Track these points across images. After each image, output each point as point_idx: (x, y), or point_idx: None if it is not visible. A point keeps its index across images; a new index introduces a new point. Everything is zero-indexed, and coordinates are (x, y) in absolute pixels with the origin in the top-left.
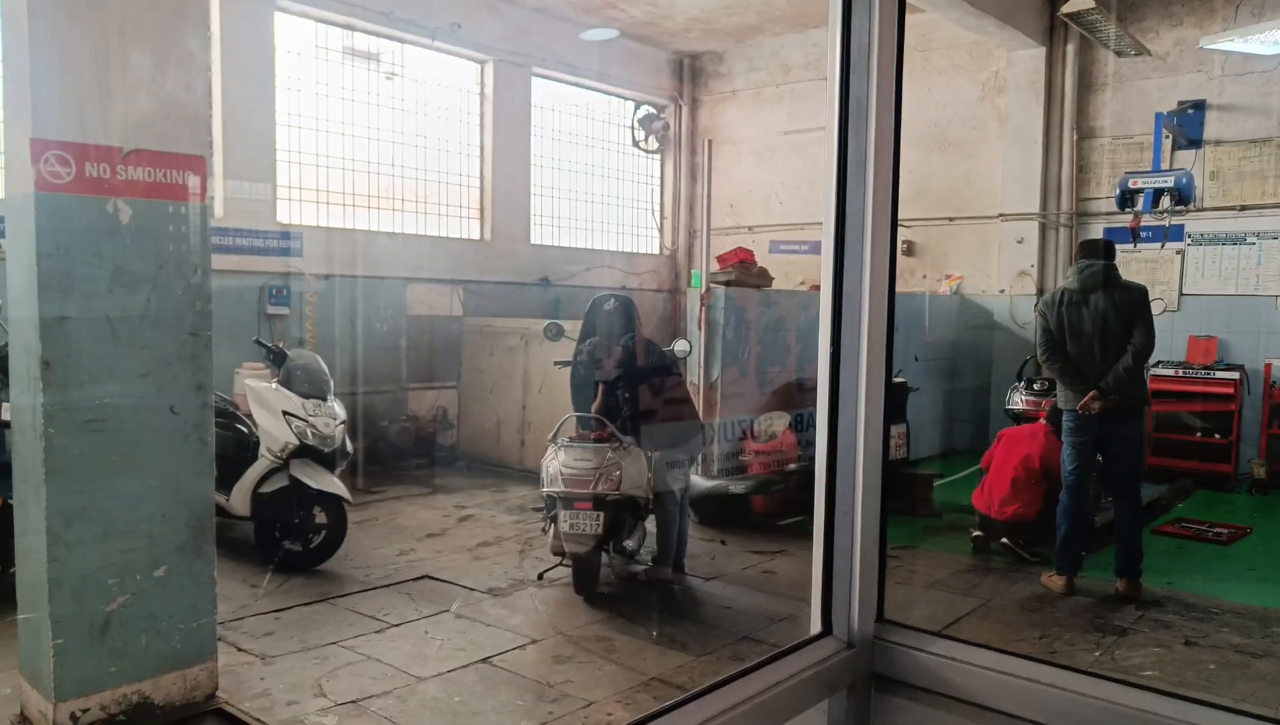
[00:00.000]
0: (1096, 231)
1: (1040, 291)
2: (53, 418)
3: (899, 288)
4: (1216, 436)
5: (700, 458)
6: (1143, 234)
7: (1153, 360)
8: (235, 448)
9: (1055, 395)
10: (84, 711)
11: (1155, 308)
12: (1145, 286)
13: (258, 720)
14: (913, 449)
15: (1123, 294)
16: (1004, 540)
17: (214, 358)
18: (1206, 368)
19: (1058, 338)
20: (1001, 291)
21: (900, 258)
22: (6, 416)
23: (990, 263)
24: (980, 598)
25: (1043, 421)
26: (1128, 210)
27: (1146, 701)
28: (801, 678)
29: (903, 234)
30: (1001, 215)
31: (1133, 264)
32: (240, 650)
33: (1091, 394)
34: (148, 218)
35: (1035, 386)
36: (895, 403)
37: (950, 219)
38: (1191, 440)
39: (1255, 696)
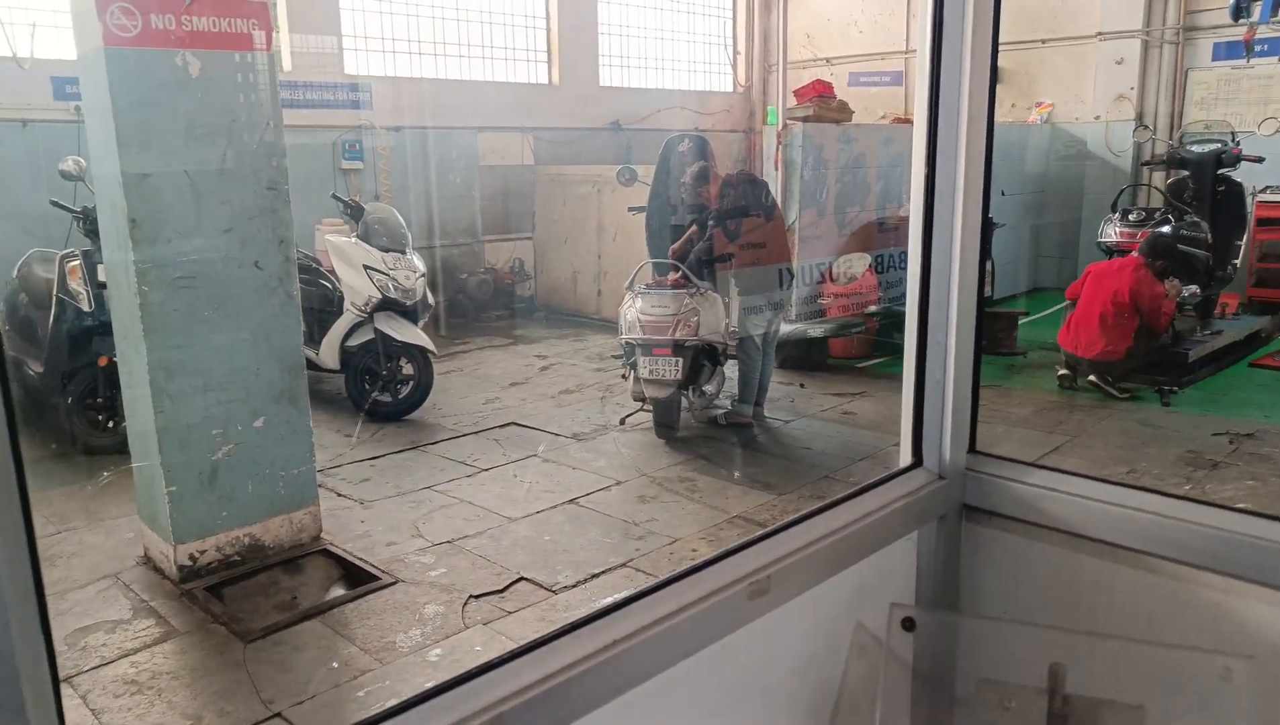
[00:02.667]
0: (1206, 48)
1: (1139, 116)
2: (144, 275)
3: None
4: None
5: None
6: (1258, 47)
7: (1261, 185)
8: (321, 303)
9: (1150, 226)
10: (201, 553)
11: (1268, 128)
12: None
13: (361, 559)
14: (998, 287)
15: None
16: (1091, 378)
17: (295, 214)
18: None
19: None
20: (1096, 118)
21: None
22: (103, 277)
23: (1085, 87)
24: (1067, 434)
25: (1135, 254)
26: (1242, 21)
27: (1239, 523)
28: (893, 508)
29: None
30: (1099, 34)
31: (1244, 81)
32: (340, 496)
33: None
34: (216, 70)
35: (1131, 217)
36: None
37: (1043, 41)
38: None
39: None
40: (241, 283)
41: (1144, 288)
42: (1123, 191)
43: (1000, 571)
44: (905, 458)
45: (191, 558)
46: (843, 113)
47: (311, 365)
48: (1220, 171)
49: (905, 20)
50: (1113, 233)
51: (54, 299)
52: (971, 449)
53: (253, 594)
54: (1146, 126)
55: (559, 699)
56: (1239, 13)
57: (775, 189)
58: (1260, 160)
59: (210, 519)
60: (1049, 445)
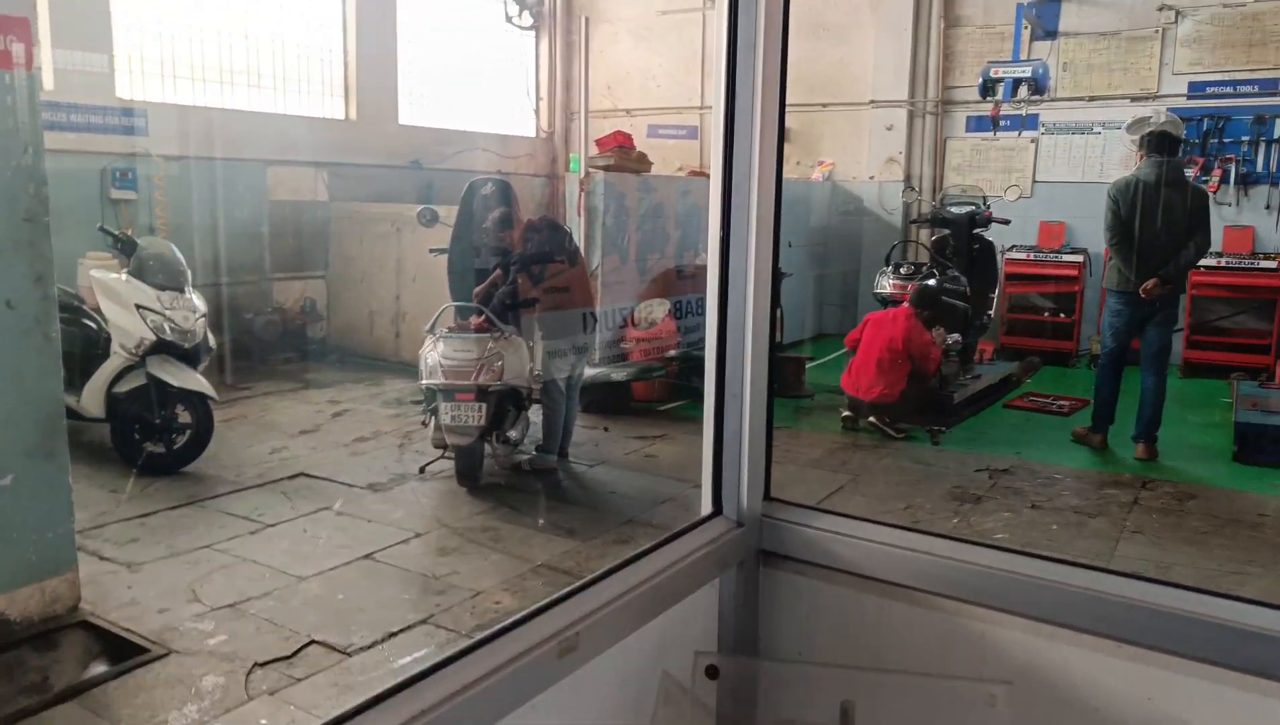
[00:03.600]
0: (961, 120)
1: (907, 177)
2: None
3: None
4: (1061, 316)
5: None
6: (1002, 122)
7: (1009, 243)
8: (83, 344)
9: (918, 279)
10: None
11: (1012, 195)
12: (1207, 191)
13: (127, 630)
14: (786, 333)
15: (1189, 194)
16: (871, 419)
17: (55, 246)
18: (1055, 251)
19: (1125, 222)
20: (871, 178)
21: None
22: None
23: (861, 149)
24: (850, 473)
25: (906, 304)
26: (989, 99)
27: (996, 559)
28: (695, 557)
29: None
30: (872, 101)
31: (991, 151)
32: (103, 559)
33: (1155, 280)
34: None
35: (902, 270)
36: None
37: (824, 105)
38: (1040, 320)
39: (1090, 551)
40: None
41: (915, 336)
42: (894, 247)
43: (795, 614)
44: (706, 507)
45: None
46: (642, 163)
47: (72, 413)
48: (975, 231)
49: (700, 77)
50: (887, 284)
51: None
52: (767, 496)
53: None
54: (913, 188)
55: None
56: (986, 91)
57: (578, 235)
58: (1007, 222)
59: None
60: (835, 484)
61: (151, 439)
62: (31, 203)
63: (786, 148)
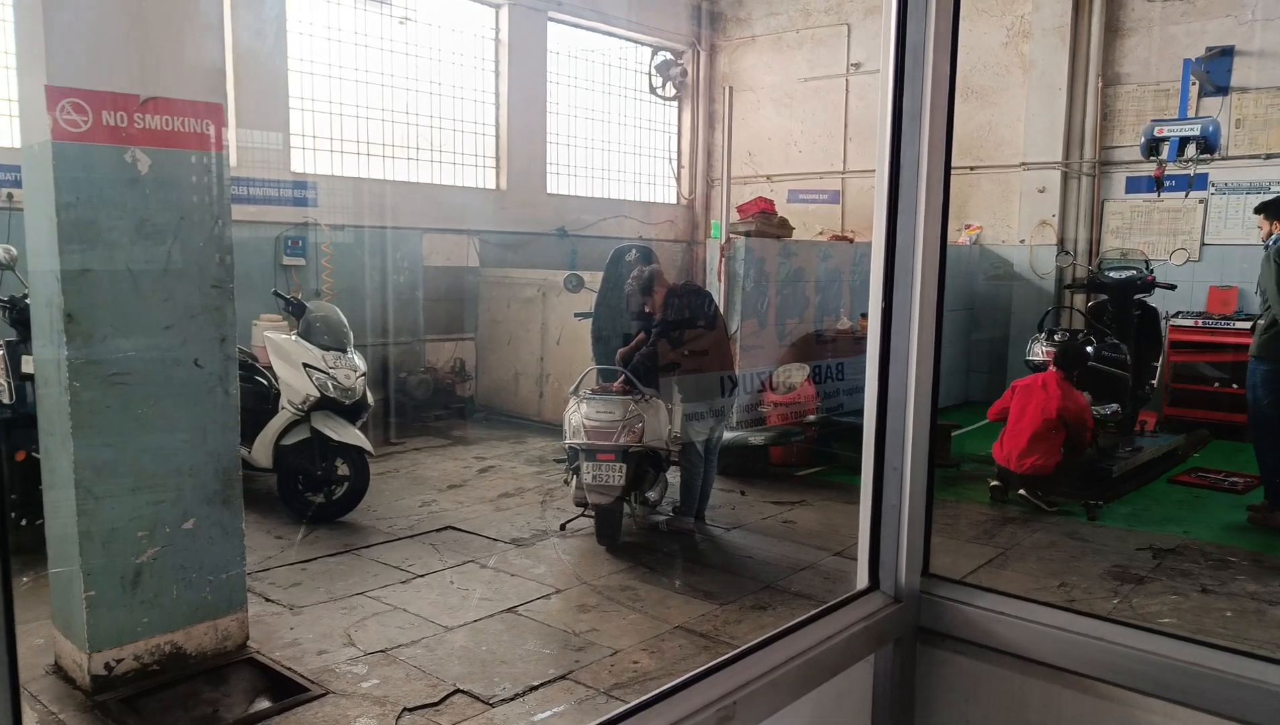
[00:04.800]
0: (1120, 181)
1: (1061, 241)
2: (77, 371)
3: None
4: (1234, 386)
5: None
6: (1166, 182)
7: (1174, 310)
8: (256, 400)
9: (1074, 342)
10: (118, 662)
11: (1178, 258)
12: None
13: (289, 669)
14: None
15: None
16: (1021, 492)
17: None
18: (1225, 318)
19: None
20: (1021, 241)
21: None
22: (29, 369)
23: (1010, 212)
24: (999, 546)
25: (1051, 367)
26: (1152, 159)
27: (1176, 650)
28: (850, 632)
29: None
30: (1023, 164)
31: (1155, 213)
32: (269, 601)
33: None
34: (167, 167)
35: (1055, 337)
36: None
37: (971, 168)
38: (1209, 390)
39: (1272, 642)
40: (180, 381)
41: (1068, 400)
42: (1048, 313)
43: (955, 695)
44: (862, 581)
45: (107, 667)
46: (783, 228)
47: (243, 464)
48: (1136, 296)
49: (842, 141)
50: (1039, 351)
51: None
52: (925, 572)
53: (171, 706)
54: (1068, 252)
55: None
56: (1149, 151)
57: (718, 299)
58: (1173, 287)
59: (130, 625)
60: (982, 558)
61: (313, 490)
62: (219, 271)
63: None
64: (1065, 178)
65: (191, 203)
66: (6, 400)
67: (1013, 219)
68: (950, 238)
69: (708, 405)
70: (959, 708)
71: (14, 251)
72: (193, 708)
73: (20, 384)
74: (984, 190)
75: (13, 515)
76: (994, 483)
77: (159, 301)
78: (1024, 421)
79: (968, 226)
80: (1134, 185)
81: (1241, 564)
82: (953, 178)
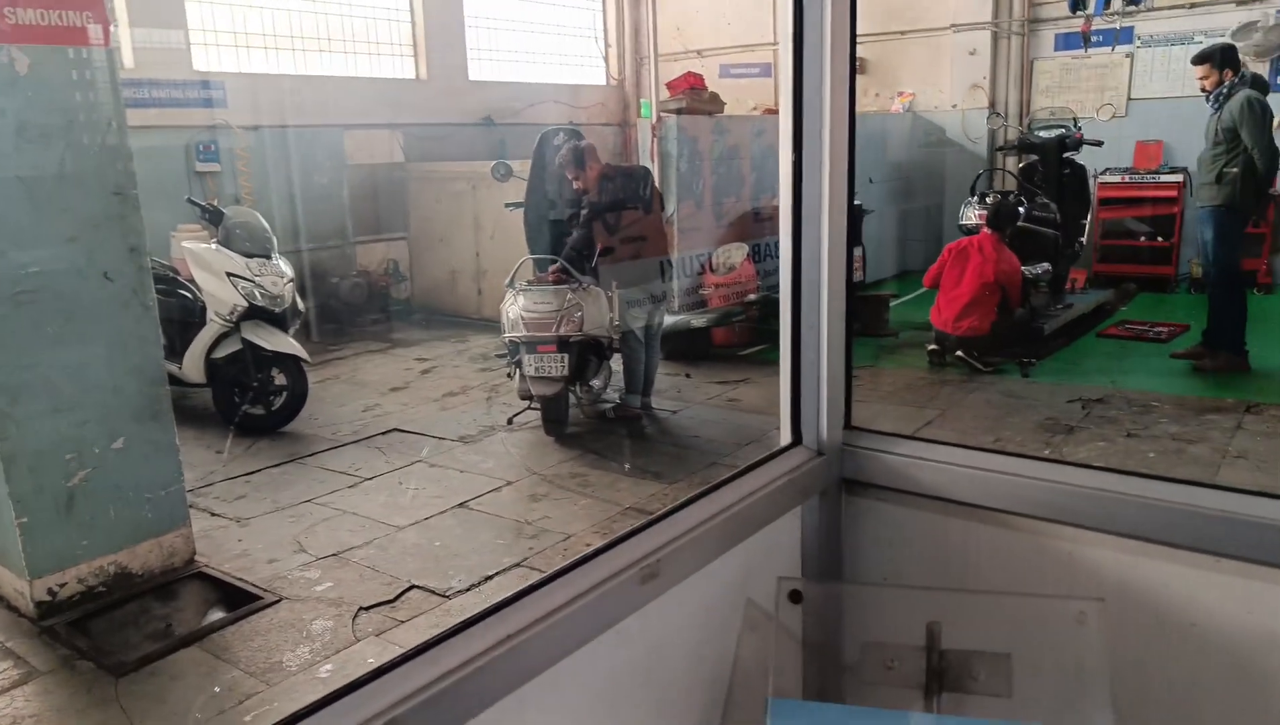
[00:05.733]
0: (1049, 39)
1: (992, 104)
2: None
3: None
4: (1159, 240)
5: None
6: (1094, 38)
7: (1101, 167)
8: (181, 314)
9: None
10: (61, 586)
11: (1104, 114)
12: None
13: (240, 579)
14: (869, 271)
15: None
16: (958, 353)
17: (147, 221)
18: (1152, 172)
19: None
20: (954, 106)
21: None
22: None
23: (942, 77)
24: (938, 407)
25: (986, 230)
26: (1080, 13)
27: (1084, 477)
28: (775, 486)
29: None
30: (953, 25)
31: (1083, 70)
32: (214, 515)
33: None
34: (48, 66)
35: (988, 200)
36: (852, 226)
37: (901, 33)
38: (1136, 245)
39: (1191, 477)
40: (91, 295)
41: (1003, 260)
42: (979, 176)
43: (878, 539)
44: (785, 437)
45: (50, 592)
46: (715, 104)
47: (175, 380)
48: (1065, 155)
49: (772, 13)
50: (972, 215)
51: None
52: (847, 425)
53: (122, 625)
54: (999, 114)
55: (453, 698)
56: (1076, 5)
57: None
58: (1099, 144)
59: (69, 549)
60: (923, 419)
61: (250, 401)
62: (119, 177)
63: (863, 80)
64: (995, 38)
65: (79, 103)
66: None
67: (944, 84)
68: (882, 107)
69: (646, 291)
70: (884, 551)
71: None
72: (145, 624)
73: None
74: (914, 56)
75: None
76: (931, 347)
77: (56, 211)
78: (960, 285)
79: (900, 94)
80: (1062, 42)
81: (1164, 408)
82: (882, 45)
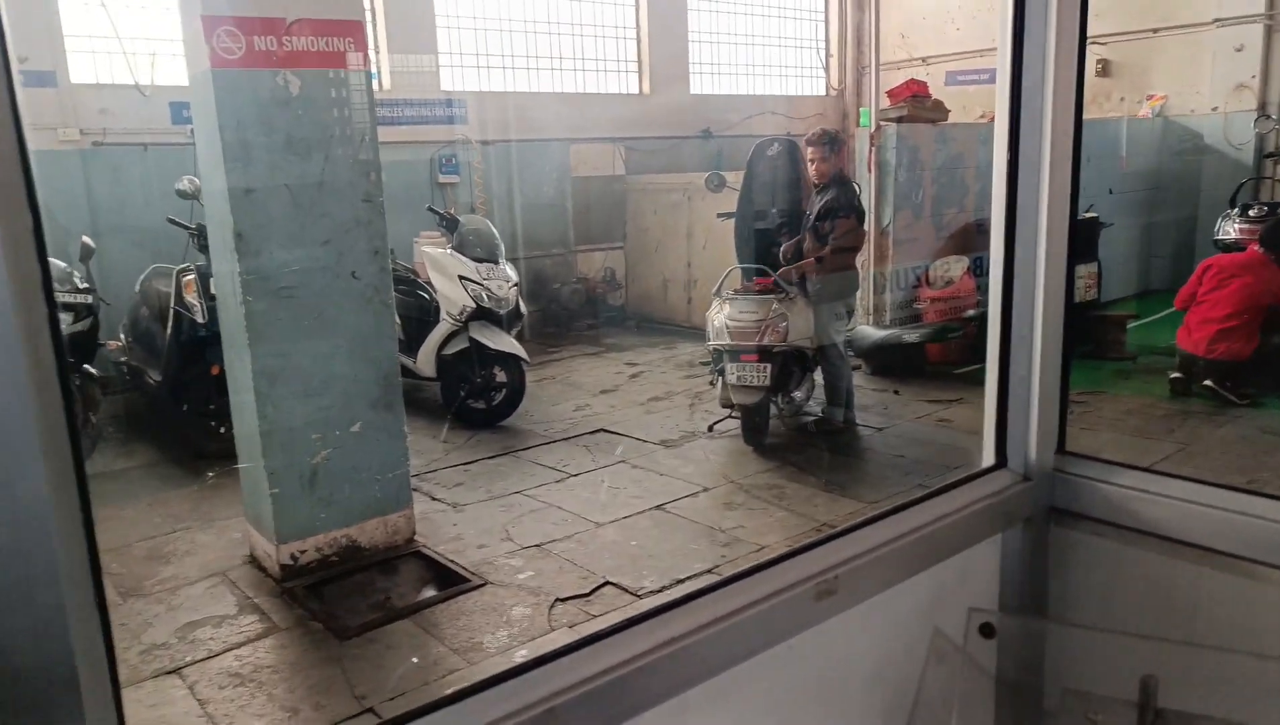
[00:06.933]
0: None
1: (1262, 105)
2: (249, 286)
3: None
4: None
5: (865, 307)
6: None
7: None
8: (419, 313)
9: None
10: (302, 553)
11: None
12: None
13: (452, 561)
14: (1106, 290)
15: None
16: (1207, 383)
17: (393, 228)
18: None
19: None
20: (1214, 109)
21: (1093, 79)
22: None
23: (1201, 77)
24: (1178, 442)
25: (1256, 248)
26: None
27: None
28: (973, 509)
29: (1096, 52)
30: (1217, 20)
31: None
32: (434, 499)
33: None
34: (315, 87)
35: (1252, 212)
36: (1085, 240)
37: (1154, 30)
38: None
39: None
40: (339, 292)
41: (1276, 283)
42: (1242, 185)
43: (1090, 577)
44: (988, 458)
45: (293, 557)
46: (938, 112)
47: (409, 373)
48: None
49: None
50: (1232, 229)
51: (171, 312)
52: (1060, 450)
53: (349, 593)
54: (1270, 116)
55: (614, 695)
56: None
57: (869, 191)
58: None
59: (310, 520)
60: (1158, 453)
61: (473, 396)
62: (369, 186)
63: (1106, 84)
64: (1269, 32)
65: (339, 120)
66: (200, 319)
67: (1203, 84)
68: (1129, 111)
69: (846, 304)
70: (1095, 591)
71: (198, 181)
72: (368, 595)
73: (211, 305)
74: (1169, 55)
75: (212, 423)
76: (1175, 375)
77: (316, 217)
78: (1220, 306)
79: (1149, 97)
80: None
81: None
82: (1131, 44)
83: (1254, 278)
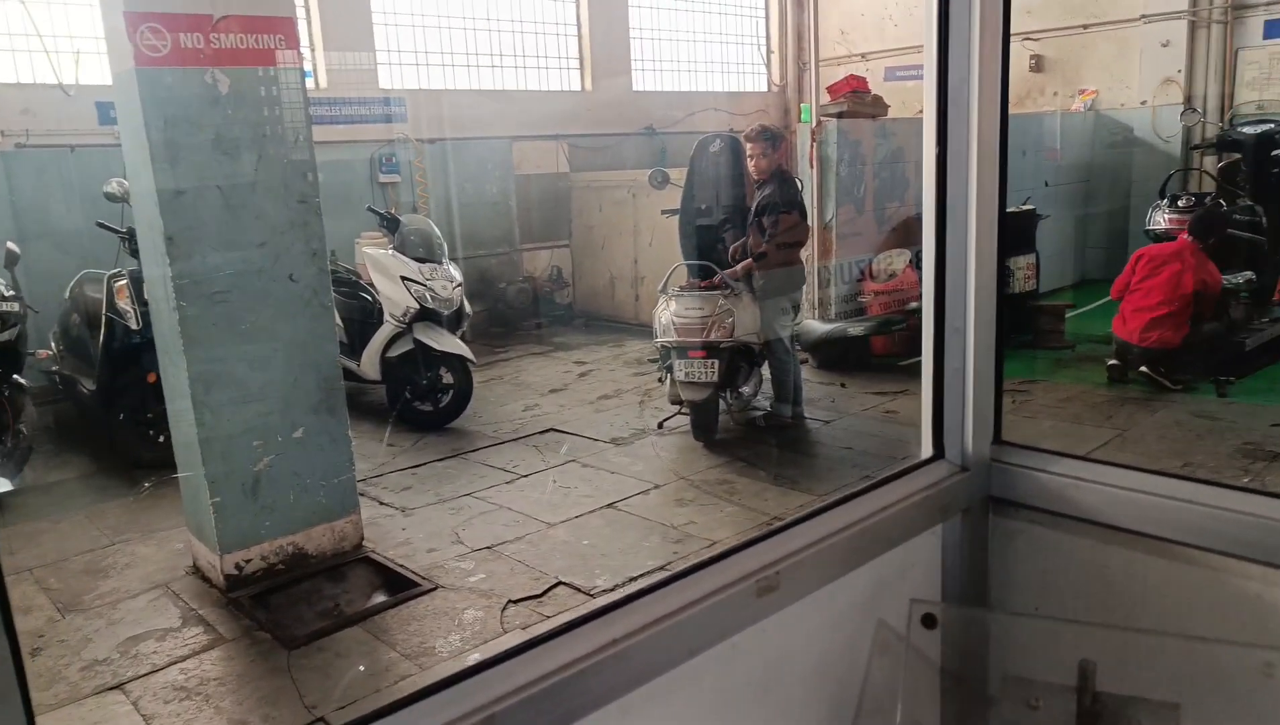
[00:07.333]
0: (1257, 26)
1: (1188, 99)
2: (182, 291)
3: (1028, 109)
4: None
5: (811, 302)
6: None
7: None
8: (361, 315)
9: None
10: (247, 562)
11: None
12: None
13: (401, 566)
14: (1044, 280)
15: None
16: (1143, 369)
17: (334, 229)
18: None
19: None
20: (1143, 103)
21: (1027, 75)
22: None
23: (1130, 72)
24: (1116, 428)
25: (1185, 237)
26: None
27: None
28: (912, 501)
29: (1030, 47)
30: (1144, 16)
31: None
32: (381, 504)
33: None
34: (245, 86)
35: (1180, 203)
36: (1023, 232)
37: (1084, 27)
38: None
39: None
40: (276, 295)
41: (1205, 271)
42: (1171, 176)
43: (1029, 565)
44: (926, 450)
45: (237, 567)
46: (878, 107)
47: (353, 376)
48: (1274, 153)
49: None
50: (1162, 220)
51: (104, 318)
52: (996, 440)
53: (296, 602)
54: (1195, 110)
55: (555, 699)
56: None
57: (811, 186)
58: None
59: (254, 529)
60: (1098, 440)
61: (420, 398)
62: (304, 187)
63: (1040, 79)
64: (1193, 28)
65: (271, 119)
66: (134, 326)
67: (1132, 79)
68: (1062, 105)
69: (791, 299)
70: (1034, 579)
71: (127, 184)
72: (316, 603)
73: (145, 310)
74: (1099, 51)
75: (149, 432)
76: (1111, 362)
77: (249, 219)
78: (1151, 295)
79: (1081, 92)
80: (1273, 29)
81: None
82: (1062, 40)
83: (1183, 265)
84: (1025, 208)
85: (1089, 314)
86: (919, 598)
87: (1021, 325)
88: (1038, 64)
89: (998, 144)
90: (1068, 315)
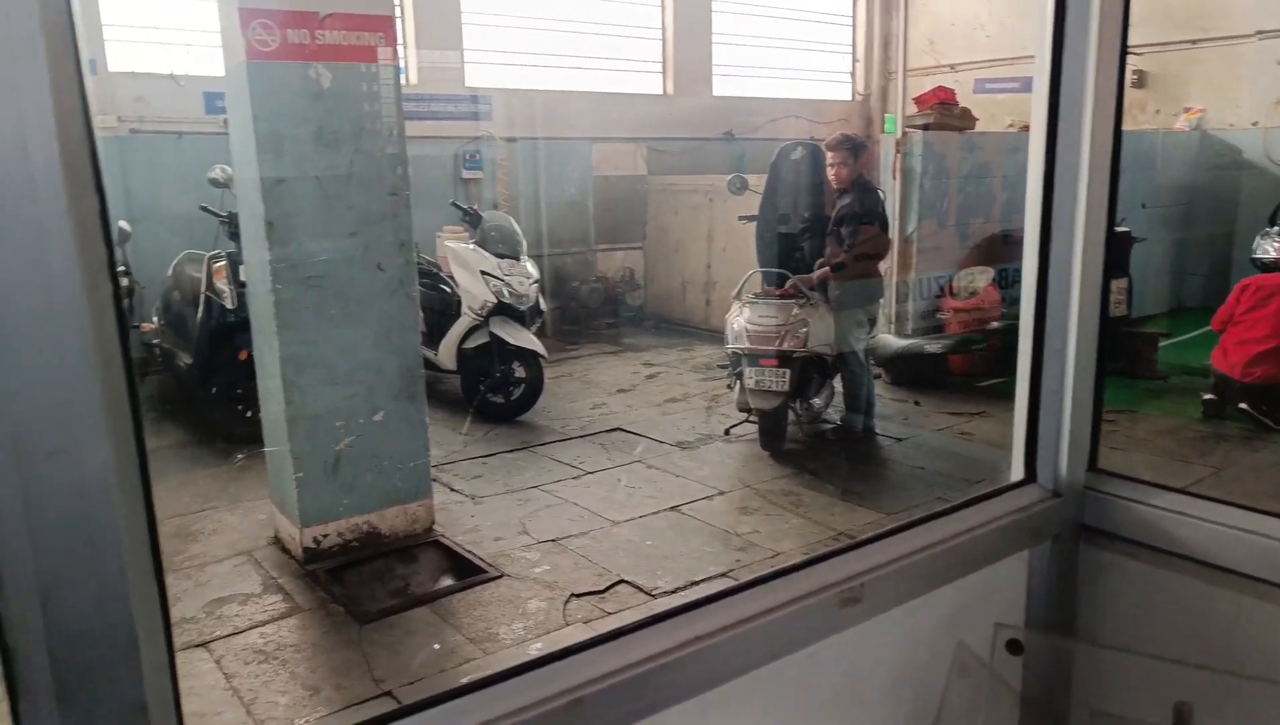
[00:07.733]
0: None
1: None
2: (279, 274)
3: (1127, 126)
4: None
5: (888, 316)
6: None
7: None
8: (441, 306)
9: None
10: (324, 537)
11: None
12: None
13: (470, 552)
14: (1136, 306)
15: None
16: (1243, 406)
17: (417, 222)
18: None
19: None
20: (1254, 124)
21: (1128, 90)
22: (244, 277)
23: (1240, 90)
24: (1211, 466)
25: None
26: None
27: None
28: (999, 524)
29: (1132, 62)
30: (1258, 32)
31: None
32: (453, 491)
33: None
34: (346, 81)
35: None
36: (1116, 254)
37: (1192, 42)
38: None
39: None
40: (365, 283)
41: None
42: None
43: (1120, 598)
44: (1017, 472)
45: (315, 541)
46: (966, 120)
47: (431, 366)
48: None
49: (1036, 15)
50: (1271, 248)
51: (202, 297)
52: (1092, 467)
53: (369, 579)
54: None
55: (639, 689)
56: None
57: (893, 199)
58: None
59: (333, 505)
60: (1190, 476)
61: (493, 390)
62: (395, 180)
63: (1141, 95)
64: None
65: (368, 113)
66: (230, 305)
67: (1243, 97)
68: (1164, 124)
69: (868, 312)
70: (1126, 613)
71: (230, 171)
72: (387, 581)
73: (241, 291)
74: (1208, 67)
75: (240, 407)
76: (1208, 396)
77: (343, 208)
78: (1258, 326)
79: (1186, 110)
80: None
81: None
82: (1167, 55)
83: None
84: (1120, 229)
85: (1184, 344)
86: (1003, 622)
87: (1112, 352)
88: (1140, 79)
89: (1109, 160)
90: (1161, 344)
